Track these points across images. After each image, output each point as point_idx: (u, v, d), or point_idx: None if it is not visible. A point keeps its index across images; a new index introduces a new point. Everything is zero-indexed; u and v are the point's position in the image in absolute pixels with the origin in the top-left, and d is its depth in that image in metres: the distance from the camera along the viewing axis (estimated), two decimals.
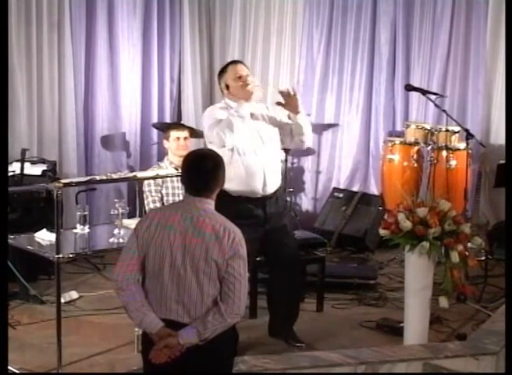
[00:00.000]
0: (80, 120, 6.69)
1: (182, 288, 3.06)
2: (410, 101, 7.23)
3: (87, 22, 6.72)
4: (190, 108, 7.59)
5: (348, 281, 5.63)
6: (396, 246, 4.57)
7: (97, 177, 4.62)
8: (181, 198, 5.51)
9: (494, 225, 6.50)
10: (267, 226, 4.46)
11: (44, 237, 4.37)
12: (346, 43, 7.40)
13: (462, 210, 5.68)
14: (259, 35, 7.65)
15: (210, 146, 4.32)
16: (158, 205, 5.49)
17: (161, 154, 6.56)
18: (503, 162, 5.96)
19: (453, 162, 6.50)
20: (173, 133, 5.77)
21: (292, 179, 7.28)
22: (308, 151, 7.50)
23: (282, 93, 4.39)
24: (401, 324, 4.62)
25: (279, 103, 4.41)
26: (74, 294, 5.35)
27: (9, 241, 4.14)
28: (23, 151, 5.67)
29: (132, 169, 6.82)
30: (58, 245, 3.98)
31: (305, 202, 7.62)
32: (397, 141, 6.86)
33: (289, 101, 4.40)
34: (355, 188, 7.39)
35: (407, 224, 4.32)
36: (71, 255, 4.20)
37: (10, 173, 5.48)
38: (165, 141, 5.85)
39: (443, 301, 4.40)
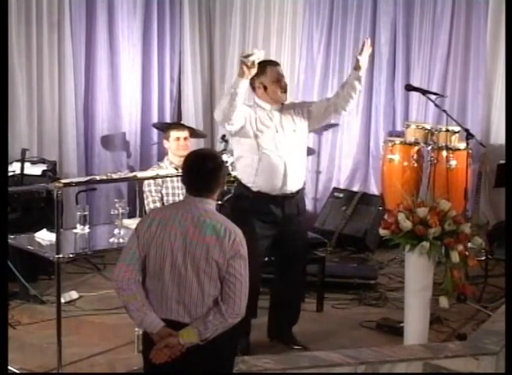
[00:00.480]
0: (80, 120, 6.69)
1: (182, 288, 3.05)
2: (411, 101, 7.22)
3: (87, 22, 6.72)
4: (190, 108, 7.59)
5: (348, 281, 5.63)
6: (396, 246, 4.57)
7: (98, 177, 4.63)
8: (181, 198, 5.51)
9: (494, 225, 6.50)
10: (282, 226, 4.48)
11: (44, 237, 4.37)
12: (347, 43, 7.40)
13: (462, 210, 5.68)
14: (259, 35, 7.64)
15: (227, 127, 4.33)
16: (158, 205, 5.48)
17: (161, 154, 6.56)
18: (503, 162, 5.96)
19: (453, 162, 6.51)
20: (173, 134, 5.77)
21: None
22: (308, 151, 7.47)
23: (365, 40, 4.49)
24: (401, 324, 4.62)
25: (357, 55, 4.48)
26: (74, 294, 5.35)
27: (9, 241, 4.13)
28: (23, 151, 5.67)
29: (132, 169, 6.82)
30: (58, 245, 3.98)
31: (305, 202, 7.60)
32: (397, 141, 6.86)
33: (363, 52, 4.47)
34: (355, 188, 7.39)
35: (407, 224, 4.33)
36: (71, 255, 4.20)
37: (10, 173, 5.48)
38: (165, 141, 5.85)
39: (443, 301, 4.40)
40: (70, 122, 6.58)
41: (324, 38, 7.48)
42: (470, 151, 6.44)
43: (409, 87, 6.47)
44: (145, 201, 5.53)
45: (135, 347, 4.32)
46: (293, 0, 7.54)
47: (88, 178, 4.90)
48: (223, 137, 6.64)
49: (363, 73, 4.51)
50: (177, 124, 6.36)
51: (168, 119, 7.37)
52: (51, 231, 4.27)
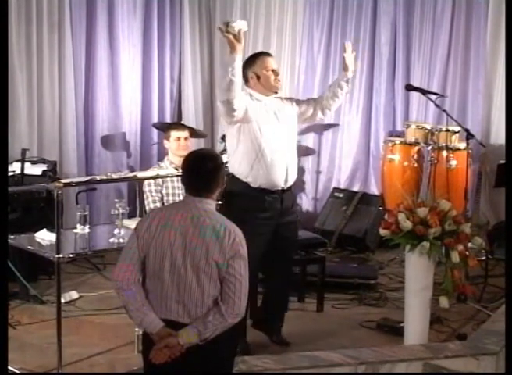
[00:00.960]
0: (80, 120, 6.69)
1: (182, 288, 3.05)
2: (411, 101, 7.22)
3: (87, 22, 6.71)
4: (190, 108, 7.58)
5: (348, 281, 5.63)
6: (396, 246, 4.57)
7: (98, 177, 4.62)
8: (181, 198, 5.49)
9: (494, 225, 6.50)
10: (280, 219, 4.47)
11: (45, 237, 4.37)
12: None
13: (462, 210, 5.68)
14: (259, 35, 7.64)
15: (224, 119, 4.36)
16: (159, 205, 5.48)
17: (162, 154, 6.56)
18: (503, 162, 5.97)
19: (453, 162, 6.51)
20: (174, 134, 5.77)
21: None
22: (308, 151, 7.51)
23: (346, 46, 4.62)
24: (401, 324, 4.62)
25: (344, 57, 4.60)
26: (74, 294, 5.35)
27: (9, 241, 4.14)
28: (23, 151, 5.68)
29: (132, 169, 6.82)
30: (58, 245, 3.98)
31: (305, 202, 7.62)
32: (397, 140, 6.86)
33: (348, 55, 4.61)
34: (355, 188, 7.39)
35: (407, 224, 4.33)
36: (71, 255, 4.20)
37: (10, 173, 5.48)
38: (165, 141, 5.85)
39: (443, 301, 4.40)
40: (70, 122, 6.58)
41: (324, 38, 7.48)
42: (470, 151, 6.44)
43: (409, 87, 6.47)
44: (145, 201, 5.53)
45: (135, 347, 4.32)
46: (293, 0, 7.54)
47: (88, 178, 4.89)
48: (223, 137, 6.63)
49: (350, 74, 4.60)
50: (177, 124, 6.36)
51: (168, 119, 7.37)
52: (51, 231, 4.27)
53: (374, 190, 7.34)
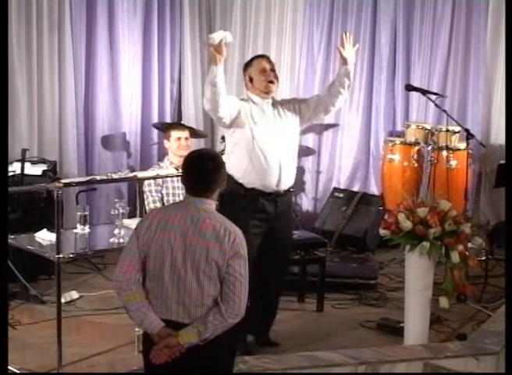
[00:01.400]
0: (80, 120, 6.69)
1: (182, 289, 3.05)
2: (411, 101, 7.23)
3: (87, 22, 6.72)
4: (190, 108, 7.58)
5: (348, 281, 5.64)
6: (396, 246, 4.57)
7: (98, 177, 4.62)
8: (181, 198, 5.50)
9: (494, 225, 6.50)
10: (274, 223, 4.46)
11: (45, 237, 4.36)
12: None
13: (462, 210, 5.68)
14: (259, 35, 7.64)
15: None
16: (159, 205, 5.49)
17: (162, 154, 6.56)
18: (503, 162, 5.97)
19: (453, 162, 6.51)
20: (174, 134, 5.77)
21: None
22: (308, 151, 7.51)
23: (344, 35, 4.56)
24: (401, 324, 4.62)
25: (338, 48, 4.53)
26: (74, 294, 5.35)
27: (10, 241, 4.13)
28: (24, 151, 5.68)
29: (132, 169, 6.81)
30: (58, 245, 3.97)
31: (305, 202, 7.62)
32: (397, 141, 6.87)
33: (346, 47, 4.54)
34: (355, 188, 7.39)
35: (407, 224, 4.33)
36: (71, 255, 4.20)
37: (10, 173, 5.48)
38: (165, 141, 5.85)
39: (443, 301, 4.40)
40: (70, 122, 6.58)
41: (324, 38, 7.48)
42: (470, 152, 6.45)
43: (409, 87, 6.47)
44: (145, 202, 5.53)
45: (135, 347, 4.32)
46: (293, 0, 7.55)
47: (88, 178, 4.89)
48: (223, 137, 6.62)
49: (351, 67, 4.52)
50: (178, 124, 6.36)
51: (168, 119, 7.37)
52: (52, 231, 4.27)
53: (374, 190, 7.34)
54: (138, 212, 4.97)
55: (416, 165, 6.78)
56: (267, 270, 4.59)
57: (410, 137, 6.78)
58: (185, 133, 5.81)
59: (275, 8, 7.58)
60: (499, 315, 4.74)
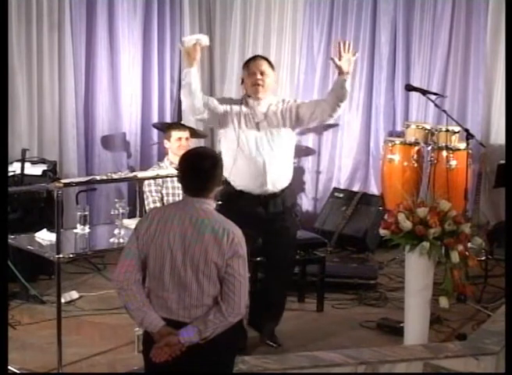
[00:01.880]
0: (80, 120, 6.69)
1: (182, 289, 3.05)
2: (411, 101, 7.22)
3: (87, 22, 6.71)
4: None
5: (348, 281, 5.64)
6: (396, 246, 4.57)
7: (98, 177, 4.62)
8: (181, 198, 5.51)
9: (494, 225, 6.50)
10: (267, 225, 4.46)
11: (45, 237, 4.36)
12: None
13: (462, 210, 5.68)
14: (259, 35, 7.64)
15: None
16: (159, 205, 5.49)
17: (162, 154, 6.56)
18: (503, 162, 5.97)
19: (453, 162, 6.51)
20: (175, 134, 5.78)
21: (292, 179, 7.27)
22: (308, 151, 7.51)
23: (338, 44, 4.34)
24: (401, 324, 4.62)
25: (332, 58, 4.40)
26: (74, 294, 5.34)
27: (9, 241, 4.13)
28: (24, 151, 5.68)
29: (132, 170, 6.81)
30: (58, 245, 3.98)
31: (305, 202, 7.62)
32: (397, 141, 6.87)
33: (342, 57, 4.34)
34: (355, 188, 7.39)
35: (407, 224, 4.33)
36: (71, 255, 4.20)
37: (10, 173, 5.48)
38: (165, 141, 5.85)
39: (443, 302, 4.40)
40: (70, 122, 6.58)
41: (324, 37, 7.47)
42: (470, 152, 6.45)
43: (409, 87, 6.48)
44: (145, 202, 5.53)
45: (135, 347, 4.32)
46: None
47: (88, 178, 4.89)
48: None
49: (347, 77, 4.37)
50: (178, 124, 6.36)
51: (168, 119, 7.37)
52: (51, 231, 4.27)
53: (374, 190, 7.34)
54: (138, 212, 4.97)
55: (416, 165, 6.78)
56: (269, 273, 4.60)
57: (410, 137, 6.78)
58: (185, 134, 5.82)
59: (275, 7, 7.57)
60: (499, 315, 4.74)
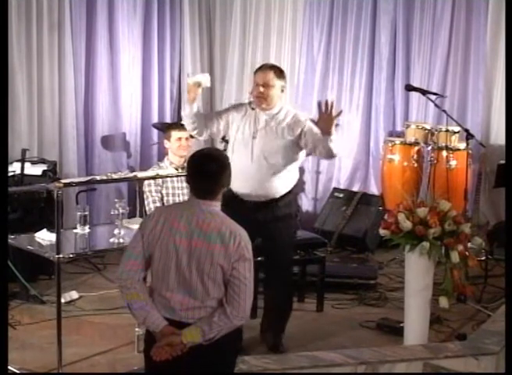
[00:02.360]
0: (80, 120, 6.69)
1: (187, 290, 3.04)
2: (410, 101, 7.22)
3: (87, 22, 6.72)
4: None
5: (348, 281, 5.64)
6: (396, 246, 4.57)
7: (98, 177, 4.61)
8: (181, 198, 5.52)
9: (494, 225, 6.50)
10: (264, 231, 4.45)
11: (45, 237, 4.36)
12: (347, 42, 7.39)
13: (462, 210, 5.68)
14: (259, 35, 7.63)
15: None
16: (159, 205, 5.48)
17: (161, 154, 6.56)
18: (503, 162, 5.97)
19: (453, 163, 6.51)
20: (175, 134, 5.77)
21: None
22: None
23: (319, 104, 4.21)
24: (401, 324, 4.62)
25: (312, 120, 4.43)
26: (74, 294, 5.34)
27: (9, 241, 4.13)
28: (24, 152, 5.68)
29: (132, 170, 6.81)
30: (58, 245, 3.97)
31: (305, 202, 7.61)
32: (397, 141, 6.87)
33: (323, 117, 4.19)
34: (355, 188, 7.39)
35: (407, 224, 4.33)
36: (71, 255, 4.20)
37: (10, 173, 5.48)
38: (165, 141, 5.85)
39: (443, 302, 4.40)
40: (70, 122, 6.58)
41: (324, 37, 7.47)
42: (470, 152, 6.45)
43: (409, 87, 6.48)
44: (145, 202, 5.53)
45: (135, 347, 4.33)
46: None
47: (88, 178, 4.88)
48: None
49: (330, 139, 4.22)
50: (178, 124, 6.34)
51: (168, 120, 7.37)
52: (51, 231, 4.27)
53: (374, 190, 7.34)
54: (138, 212, 4.97)
55: (416, 165, 6.78)
56: (267, 282, 4.60)
57: (410, 137, 6.78)
58: (186, 134, 5.80)
59: (275, 7, 7.57)
60: (499, 315, 4.74)
